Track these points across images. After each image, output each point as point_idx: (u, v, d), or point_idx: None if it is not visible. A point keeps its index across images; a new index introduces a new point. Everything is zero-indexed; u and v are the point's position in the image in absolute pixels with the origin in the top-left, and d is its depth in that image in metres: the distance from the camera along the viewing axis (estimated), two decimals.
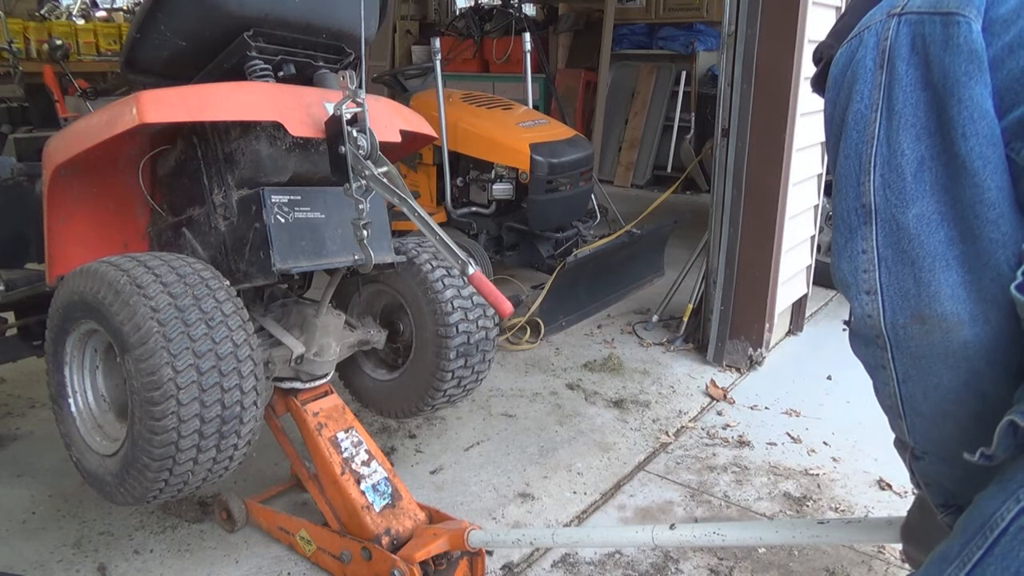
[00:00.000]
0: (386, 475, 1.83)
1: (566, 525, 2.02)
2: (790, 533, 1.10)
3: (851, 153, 0.77)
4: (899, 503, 2.10)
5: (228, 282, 1.58)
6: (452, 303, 1.96)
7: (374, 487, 1.77)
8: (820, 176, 3.29)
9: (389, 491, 1.79)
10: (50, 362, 1.70)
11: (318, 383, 1.91)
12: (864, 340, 0.82)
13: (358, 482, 1.77)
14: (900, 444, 0.90)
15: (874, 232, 0.77)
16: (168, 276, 1.48)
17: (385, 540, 1.67)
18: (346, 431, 1.86)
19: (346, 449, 1.82)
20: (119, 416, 1.70)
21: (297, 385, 1.88)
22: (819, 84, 0.86)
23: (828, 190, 3.66)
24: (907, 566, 1.86)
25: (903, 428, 0.85)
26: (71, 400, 1.69)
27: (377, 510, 1.73)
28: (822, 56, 0.86)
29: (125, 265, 1.50)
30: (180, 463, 1.47)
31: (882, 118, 0.74)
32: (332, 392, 1.95)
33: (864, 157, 0.76)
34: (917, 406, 0.82)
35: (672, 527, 1.22)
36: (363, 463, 1.81)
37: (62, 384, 1.69)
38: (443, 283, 1.96)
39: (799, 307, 3.36)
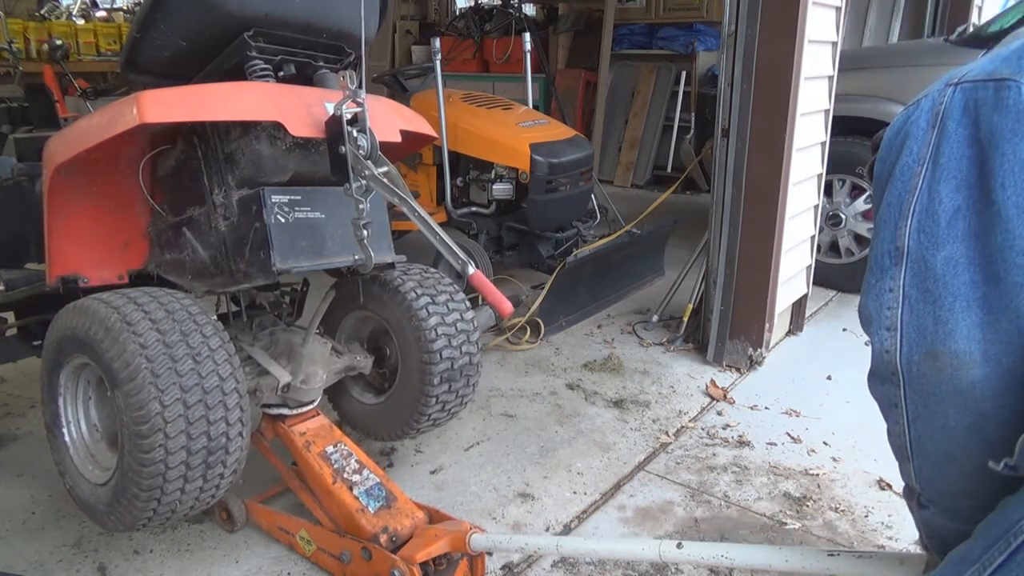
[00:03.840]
0: (379, 480, 1.85)
1: (566, 525, 2.02)
2: (799, 562, 1.08)
3: (893, 201, 0.82)
4: (899, 503, 2.10)
5: (215, 316, 1.64)
6: (436, 330, 1.98)
7: (367, 492, 1.80)
8: (820, 176, 3.29)
9: (383, 494, 1.81)
10: (45, 393, 1.76)
11: (305, 409, 1.96)
12: (880, 377, 0.86)
13: (350, 488, 1.79)
14: (908, 491, 0.92)
15: (903, 272, 0.81)
16: (157, 313, 1.54)
17: (383, 538, 1.68)
18: (334, 445, 1.90)
19: (336, 461, 1.86)
20: (110, 445, 1.75)
21: (285, 411, 1.93)
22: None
23: (828, 190, 3.67)
24: None
25: (911, 472, 0.88)
26: (65, 430, 1.75)
27: (372, 511, 1.75)
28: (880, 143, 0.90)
29: (116, 302, 1.55)
30: (168, 493, 1.53)
31: (927, 171, 0.79)
32: (319, 415, 2.00)
33: (905, 204, 0.81)
34: (924, 447, 0.84)
35: (679, 545, 1.22)
36: (354, 471, 1.84)
37: (56, 414, 1.75)
38: (427, 311, 1.99)
39: (799, 307, 3.36)
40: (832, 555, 1.03)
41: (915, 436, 0.85)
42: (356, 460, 1.88)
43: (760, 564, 1.13)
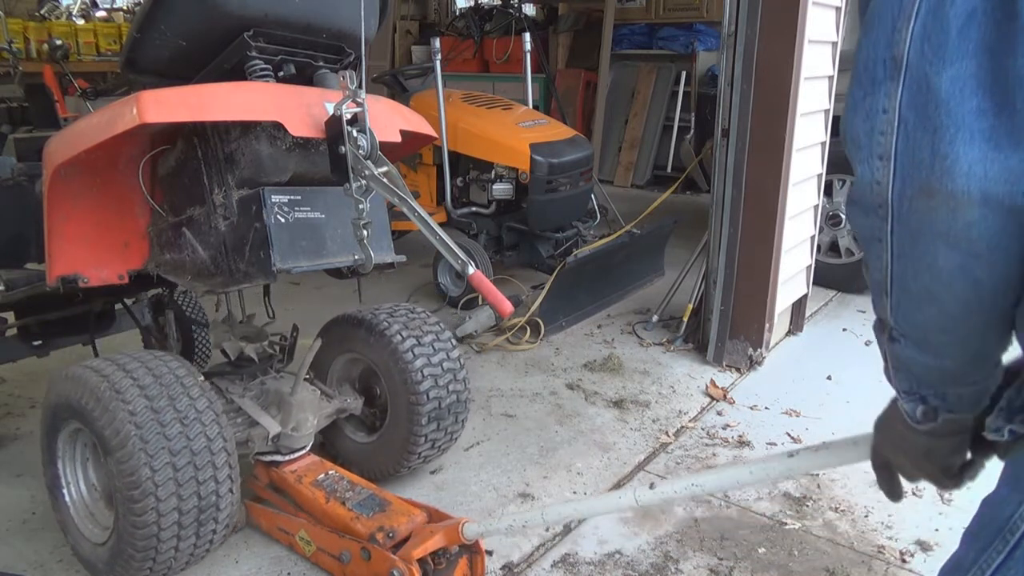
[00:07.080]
0: (372, 492, 1.87)
1: (566, 525, 2.02)
2: (763, 471, 1.13)
3: None
4: (899, 503, 2.10)
5: (202, 377, 1.70)
6: (422, 372, 2.00)
7: (361, 503, 1.83)
8: (820, 176, 3.30)
9: (378, 502, 1.83)
10: (45, 455, 1.82)
11: (298, 454, 1.99)
12: (864, 208, 0.75)
13: (343, 503, 1.82)
14: (879, 325, 0.83)
15: (900, 90, 0.67)
16: (145, 379, 1.60)
17: (380, 536, 1.69)
18: (325, 474, 1.95)
19: (328, 485, 1.90)
20: (108, 504, 1.79)
21: (277, 458, 1.97)
22: None
23: (828, 190, 3.67)
24: (907, 565, 1.86)
25: (887, 306, 0.79)
26: (65, 491, 1.81)
27: (368, 517, 1.77)
28: None
29: (106, 370, 1.62)
30: (162, 552, 1.59)
31: None
32: (310, 455, 2.03)
33: None
34: (906, 284, 0.76)
35: (652, 486, 1.27)
36: (347, 489, 1.89)
37: (56, 476, 1.81)
38: (413, 353, 2.01)
39: (799, 307, 3.36)
40: (792, 456, 1.07)
41: (897, 273, 0.76)
42: (348, 481, 1.92)
43: (729, 485, 1.16)
